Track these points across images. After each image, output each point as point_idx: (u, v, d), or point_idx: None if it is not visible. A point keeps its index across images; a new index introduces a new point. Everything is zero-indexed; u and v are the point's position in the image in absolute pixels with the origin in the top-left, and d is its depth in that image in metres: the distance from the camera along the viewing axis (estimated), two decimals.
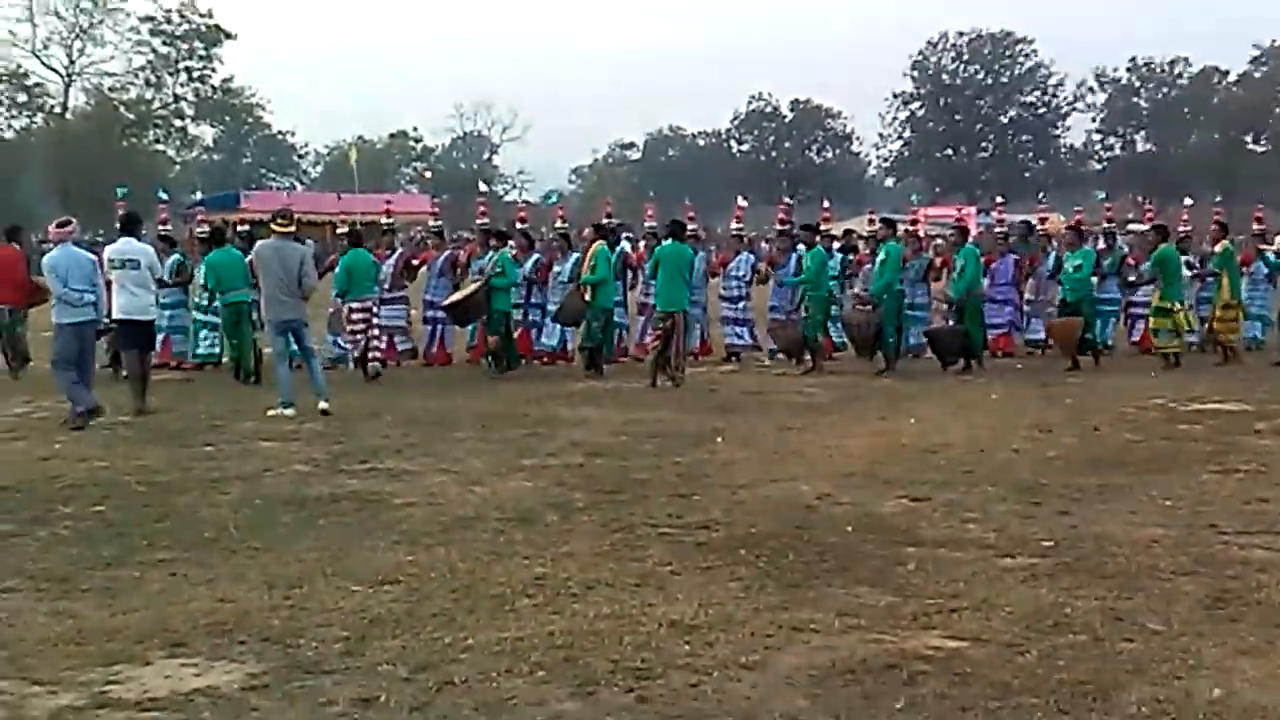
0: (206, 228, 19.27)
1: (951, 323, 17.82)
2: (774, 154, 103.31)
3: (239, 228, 20.88)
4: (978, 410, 13.51)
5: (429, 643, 5.99)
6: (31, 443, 12.02)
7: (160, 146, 76.95)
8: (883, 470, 10.14)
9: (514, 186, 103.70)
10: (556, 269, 18.94)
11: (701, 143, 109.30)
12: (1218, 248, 18.49)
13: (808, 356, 17.52)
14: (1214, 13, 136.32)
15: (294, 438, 12.07)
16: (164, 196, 22.64)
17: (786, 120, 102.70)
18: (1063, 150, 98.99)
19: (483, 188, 25.74)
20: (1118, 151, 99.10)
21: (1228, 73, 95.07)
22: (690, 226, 18.46)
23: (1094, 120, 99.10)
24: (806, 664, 5.70)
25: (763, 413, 13.63)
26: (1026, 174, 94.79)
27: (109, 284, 13.62)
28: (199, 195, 43.86)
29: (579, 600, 6.64)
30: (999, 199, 26.02)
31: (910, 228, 20.15)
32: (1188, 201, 24.41)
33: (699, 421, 12.89)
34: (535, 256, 19.15)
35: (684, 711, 5.18)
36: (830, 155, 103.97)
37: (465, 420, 12.99)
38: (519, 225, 20.58)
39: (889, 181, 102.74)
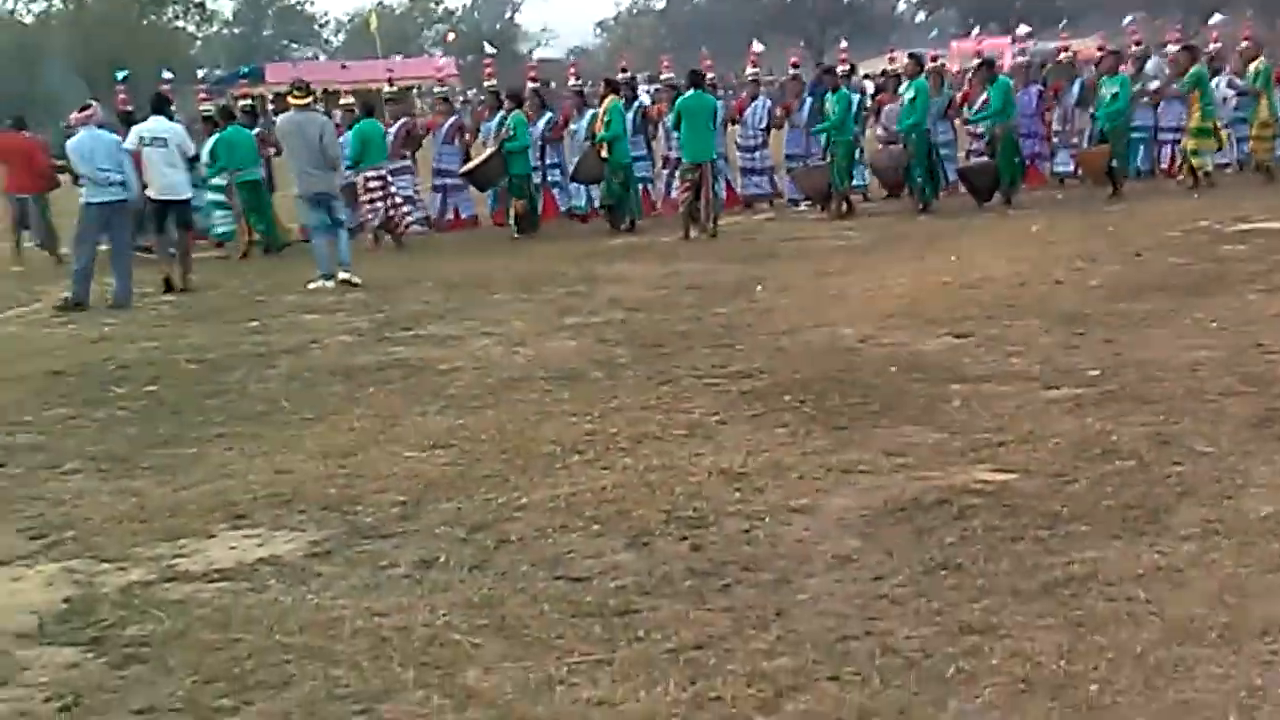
0: (211, 106, 19.08)
1: (983, 157, 17.53)
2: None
3: (241, 103, 20.47)
4: (1018, 243, 13.41)
5: (484, 503, 6.08)
6: (81, 325, 12.15)
7: (180, 23, 76.11)
8: (924, 309, 10.13)
9: (538, 44, 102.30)
10: (573, 127, 18.67)
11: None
12: (1252, 66, 18.03)
13: (835, 202, 17.32)
14: None
15: (337, 309, 12.16)
16: (168, 75, 22.19)
17: None
18: None
19: (489, 49, 25.24)
20: None
21: None
22: (708, 76, 18.19)
23: None
24: (857, 505, 5.76)
25: (801, 258, 13.59)
26: (1060, 1, 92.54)
27: (137, 163, 13.60)
28: (220, 70, 43.43)
29: (628, 454, 6.71)
30: (1022, 29, 25.25)
31: (932, 64, 19.73)
32: (1217, 18, 23.70)
33: (738, 271, 12.87)
34: (549, 115, 18.82)
35: (737, 557, 5.25)
36: None
37: (504, 283, 13.03)
38: (530, 84, 20.15)
39: (920, 16, 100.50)
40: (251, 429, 7.81)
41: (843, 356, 8.69)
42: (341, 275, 13.39)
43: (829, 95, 17.35)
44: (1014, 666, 4.17)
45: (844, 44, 23.36)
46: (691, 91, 16.39)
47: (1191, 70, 17.29)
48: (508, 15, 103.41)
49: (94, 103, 14.10)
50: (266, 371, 9.50)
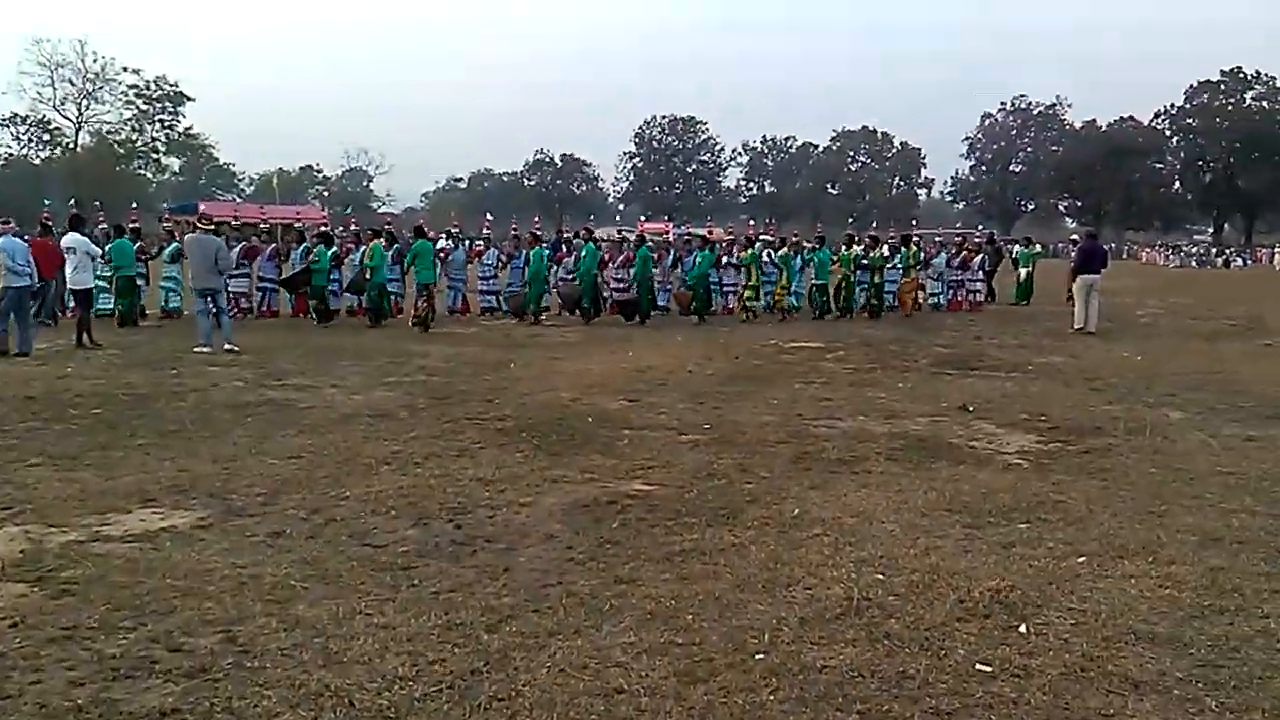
0: (106, 225, 17.59)
1: (632, 292, 17.79)
2: (550, 188, 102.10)
3: (130, 224, 18.75)
4: (669, 347, 13.71)
5: (321, 495, 5.78)
6: (51, 367, 10.95)
7: (142, 172, 71.39)
8: (611, 383, 10.23)
9: (383, 203, 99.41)
10: (353, 257, 17.78)
11: (505, 179, 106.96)
12: (782, 251, 18.55)
13: (531, 312, 17.08)
14: (812, 106, 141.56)
15: (231, 364, 11.36)
16: (135, 206, 20.83)
17: (559, 166, 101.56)
18: (723, 190, 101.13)
19: (315, 205, 24.38)
20: (755, 191, 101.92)
21: (818, 145, 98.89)
22: (485, 233, 18.77)
23: (741, 172, 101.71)
24: (560, 502, 5.74)
25: (539, 348, 13.52)
26: (701, 204, 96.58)
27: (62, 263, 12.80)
28: (167, 204, 40.36)
29: (420, 467, 6.50)
30: (685, 220, 26.22)
31: (605, 238, 20.43)
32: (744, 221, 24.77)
33: (499, 354, 12.73)
34: (333, 249, 17.86)
35: (484, 534, 5.15)
36: (585, 189, 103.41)
37: (347, 352, 12.48)
38: (321, 226, 19.89)
39: (621, 206, 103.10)
40: (164, 441, 7.20)
41: (560, 410, 8.69)
42: (226, 345, 12.46)
43: (531, 250, 17.37)
44: (645, 604, 4.23)
45: (591, 219, 23.68)
46: (419, 240, 16.26)
47: (749, 251, 18.07)
48: (365, 183, 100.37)
49: (10, 220, 12.78)
50: (179, 403, 8.77)
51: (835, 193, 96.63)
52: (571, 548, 4.95)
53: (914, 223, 27.25)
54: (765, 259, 18.44)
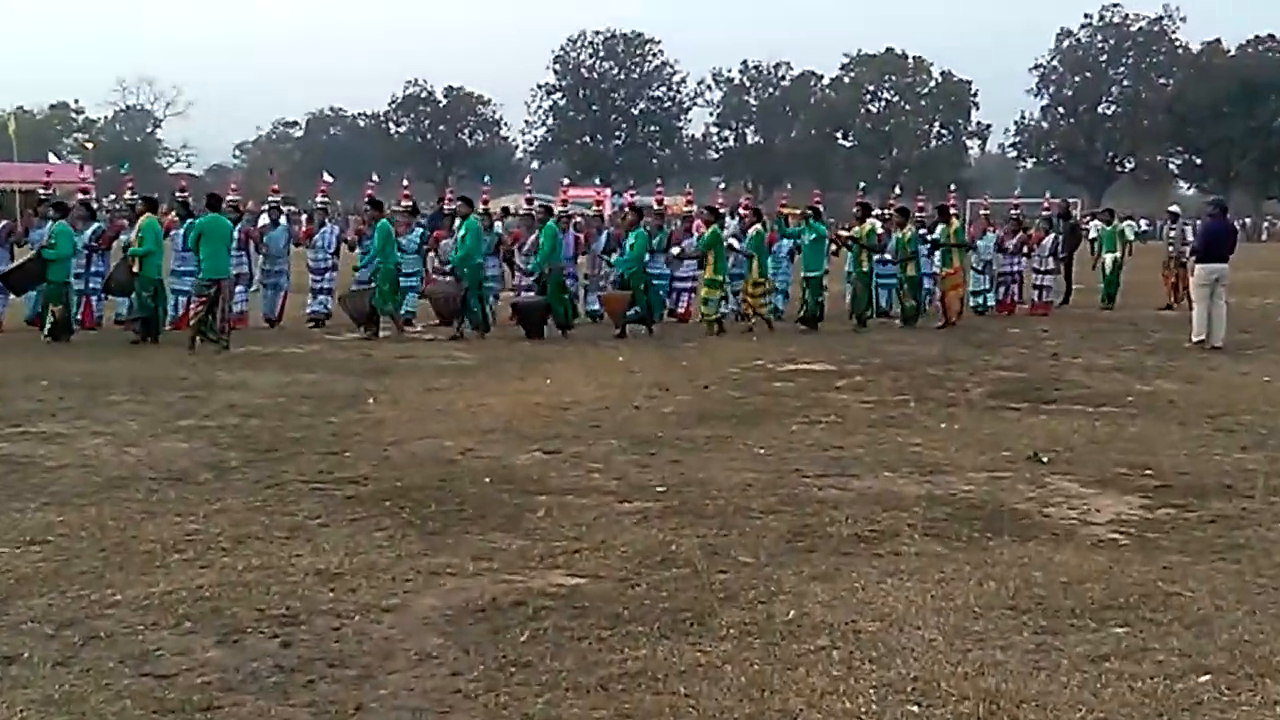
0: None
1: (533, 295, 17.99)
2: (429, 136, 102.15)
3: None
4: (605, 371, 13.79)
5: (76, 600, 5.65)
6: None
7: None
8: (519, 426, 10.24)
9: (177, 159, 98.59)
10: (123, 238, 17.66)
11: (362, 123, 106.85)
12: (751, 231, 18.82)
13: (375, 325, 17.28)
14: (811, 21, 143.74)
15: None
16: None
17: (441, 105, 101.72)
18: (685, 141, 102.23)
19: (53, 159, 24.06)
20: (732, 143, 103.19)
21: (822, 76, 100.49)
22: (320, 201, 19.25)
23: (711, 115, 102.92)
24: (442, 605, 5.70)
25: (412, 374, 13.48)
26: (654, 160, 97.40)
27: None
28: None
29: (229, 554, 6.41)
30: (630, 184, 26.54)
31: (512, 212, 20.57)
32: (789, 187, 25.52)
33: (353, 383, 12.64)
34: (96, 225, 18.00)
35: (325, 654, 5.08)
36: (481, 139, 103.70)
37: (121, 384, 12.29)
38: (82, 196, 19.66)
39: (535, 164, 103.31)
40: None
41: (443, 467, 8.65)
42: None
43: (464, 223, 17.42)
44: None
45: (486, 182, 23.72)
46: (209, 214, 15.94)
47: (709, 230, 18.19)
48: (150, 129, 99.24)
49: None
50: None
51: (848, 144, 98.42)
52: (458, 674, 4.91)
53: (950, 190, 27.71)
54: (731, 242, 18.76)
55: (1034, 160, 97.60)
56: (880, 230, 20.09)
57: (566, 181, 27.76)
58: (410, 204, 20.27)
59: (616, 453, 9.22)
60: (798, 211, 21.24)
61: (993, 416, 11.02)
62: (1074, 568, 6.32)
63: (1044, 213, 23.72)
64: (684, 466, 8.75)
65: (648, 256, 18.22)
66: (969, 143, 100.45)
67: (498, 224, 20.95)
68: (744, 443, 9.63)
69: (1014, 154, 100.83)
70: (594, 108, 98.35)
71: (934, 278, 20.35)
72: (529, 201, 21.52)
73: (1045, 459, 9.02)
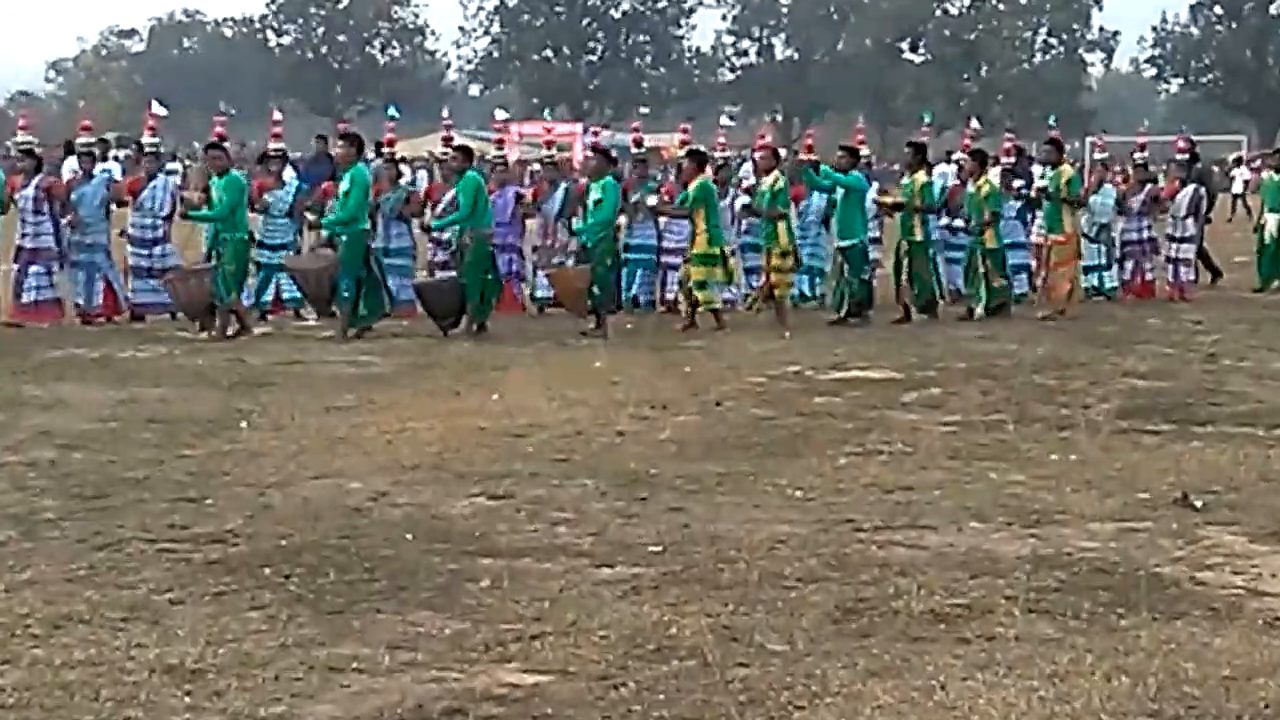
0: None
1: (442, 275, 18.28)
2: (324, 50, 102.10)
3: None
4: (577, 382, 13.78)
5: None
6: None
7: None
8: (455, 461, 10.23)
9: None
10: None
11: (228, 32, 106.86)
12: (766, 182, 18.87)
13: (221, 319, 17.26)
14: None
15: None
16: None
17: (341, 6, 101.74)
18: (687, 55, 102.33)
19: None
20: (753, 58, 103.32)
21: None
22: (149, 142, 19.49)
23: (725, 18, 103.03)
24: (345, 713, 5.68)
25: (303, 389, 13.47)
26: (645, 84, 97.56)
27: None
28: None
29: (41, 644, 6.38)
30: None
31: (429, 158, 20.62)
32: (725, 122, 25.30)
33: (218, 401, 12.65)
34: None
35: None
36: (398, 54, 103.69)
37: None
38: None
39: (475, 89, 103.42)
40: None
41: (346, 518, 8.63)
42: None
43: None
44: None
45: (391, 118, 23.63)
46: None
47: (696, 182, 18.27)
48: None
49: None
50: None
51: (918, 59, 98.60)
52: None
53: (1050, 125, 27.70)
54: (736, 196, 19.27)
55: (1180, 81, 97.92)
56: (953, 182, 20.18)
57: (503, 115, 27.49)
58: (279, 147, 20.29)
59: (592, 497, 9.20)
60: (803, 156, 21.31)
61: (1125, 443, 11.02)
62: (1240, 656, 6.32)
63: (1177, 155, 23.83)
64: (688, 516, 8.72)
65: (623, 220, 18.28)
66: (1088, 57, 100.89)
67: (414, 174, 20.99)
68: (773, 482, 9.61)
69: (1152, 73, 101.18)
70: (557, 8, 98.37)
71: (1033, 249, 20.41)
72: (446, 141, 21.58)
73: (1199, 503, 9.00)
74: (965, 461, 10.33)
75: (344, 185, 17.48)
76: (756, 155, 20.50)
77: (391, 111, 22.94)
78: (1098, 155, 25.37)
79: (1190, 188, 22.53)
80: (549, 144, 22.90)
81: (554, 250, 19.87)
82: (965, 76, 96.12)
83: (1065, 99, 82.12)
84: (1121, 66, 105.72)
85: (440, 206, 18.73)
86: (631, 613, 6.90)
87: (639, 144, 21.99)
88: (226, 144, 19.29)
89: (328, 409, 12.36)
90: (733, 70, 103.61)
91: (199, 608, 6.95)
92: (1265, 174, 26.85)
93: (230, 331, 17.14)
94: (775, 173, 18.86)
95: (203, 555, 7.83)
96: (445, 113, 25.90)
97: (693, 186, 18.29)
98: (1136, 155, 23.62)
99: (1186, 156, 24.08)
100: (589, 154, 20.29)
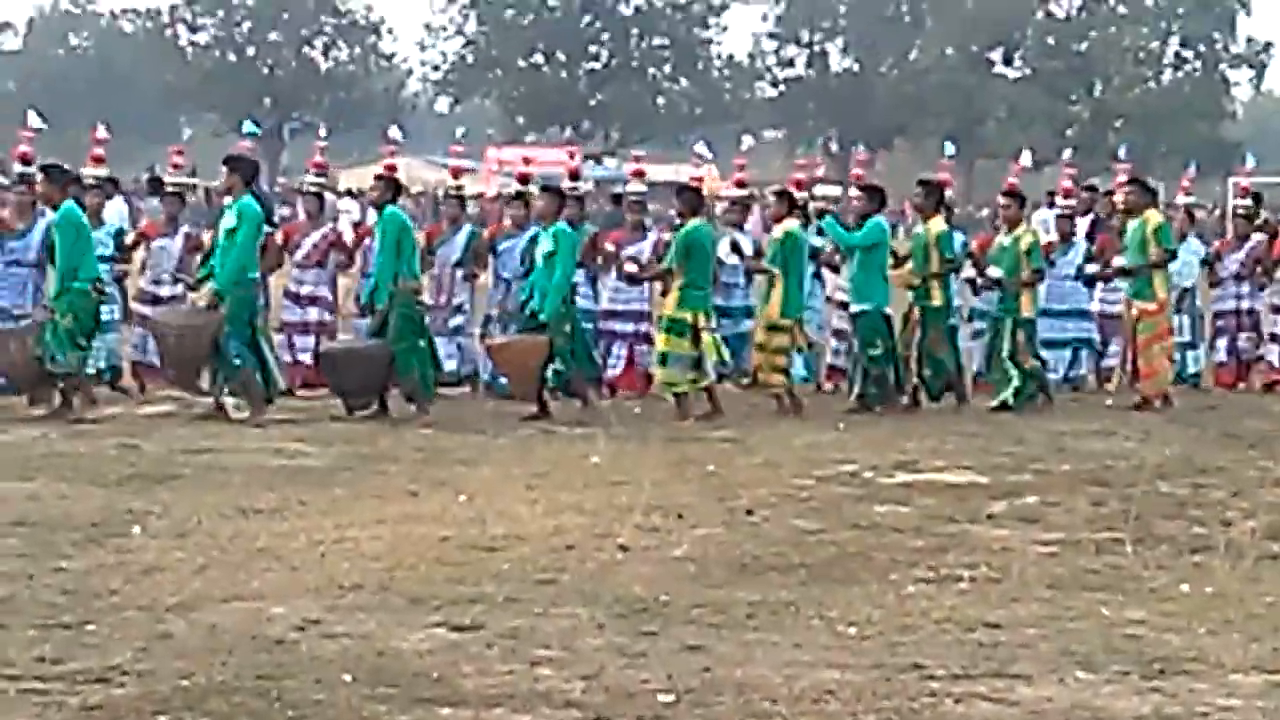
0: None
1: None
2: (251, 51, 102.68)
3: None
4: (566, 482, 13.83)
5: None
6: None
7: None
8: (408, 581, 10.24)
9: None
10: None
11: (128, 27, 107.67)
12: (778, 230, 19.27)
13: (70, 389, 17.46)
14: None
15: None
16: None
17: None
18: (717, 65, 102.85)
19: None
20: (800, 69, 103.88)
21: None
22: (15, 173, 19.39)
23: (765, 19, 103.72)
24: None
25: (214, 485, 13.51)
26: (658, 100, 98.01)
27: None
28: None
29: None
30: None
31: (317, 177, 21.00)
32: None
33: (103, 499, 12.70)
34: None
35: None
36: (345, 57, 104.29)
37: None
38: None
39: (442, 103, 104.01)
40: None
41: (267, 653, 8.61)
42: None
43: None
44: None
45: (324, 134, 23.86)
46: None
47: (682, 230, 18.55)
48: None
49: None
50: None
51: (1013, 74, 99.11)
52: None
53: (1188, 165, 27.74)
54: (726, 250, 19.45)
55: None
56: (1049, 238, 20.31)
57: (460, 133, 27.63)
58: (100, 170, 20.44)
59: (586, 630, 9.19)
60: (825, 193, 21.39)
61: (1277, 573, 11.03)
62: None
63: None
64: (709, 657, 8.70)
65: (580, 277, 18.59)
66: (1232, 75, 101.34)
67: (363, 209, 21.25)
68: (820, 615, 9.60)
69: None
70: (550, 3, 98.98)
71: (1101, 321, 20.87)
72: (389, 170, 21.81)
73: None
74: (1069, 593, 10.32)
75: (229, 222, 17.54)
76: (771, 198, 20.70)
77: (323, 131, 23.23)
78: (1181, 199, 25.09)
79: None
80: (523, 178, 22.87)
81: (448, 310, 20.12)
82: (1073, 98, 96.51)
83: (1202, 128, 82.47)
84: (1276, 88, 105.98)
85: (301, 251, 19.09)
86: None
87: (640, 175, 22.12)
88: (93, 170, 19.52)
89: (244, 511, 12.38)
90: (774, 85, 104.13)
91: None
92: None
93: (75, 406, 17.28)
94: (789, 219, 19.08)
95: (80, 698, 7.80)
96: (395, 131, 25.95)
97: (679, 234, 18.61)
98: (1236, 202, 23.59)
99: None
100: (536, 192, 20.33)
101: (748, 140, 27.10)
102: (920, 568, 10.93)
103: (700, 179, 21.37)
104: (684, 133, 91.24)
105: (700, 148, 24.91)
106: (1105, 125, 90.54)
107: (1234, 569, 11.03)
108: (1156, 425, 17.97)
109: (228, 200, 17.81)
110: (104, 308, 18.58)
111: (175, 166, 21.29)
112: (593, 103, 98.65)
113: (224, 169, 18.66)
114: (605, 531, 11.82)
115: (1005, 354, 19.41)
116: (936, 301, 19.30)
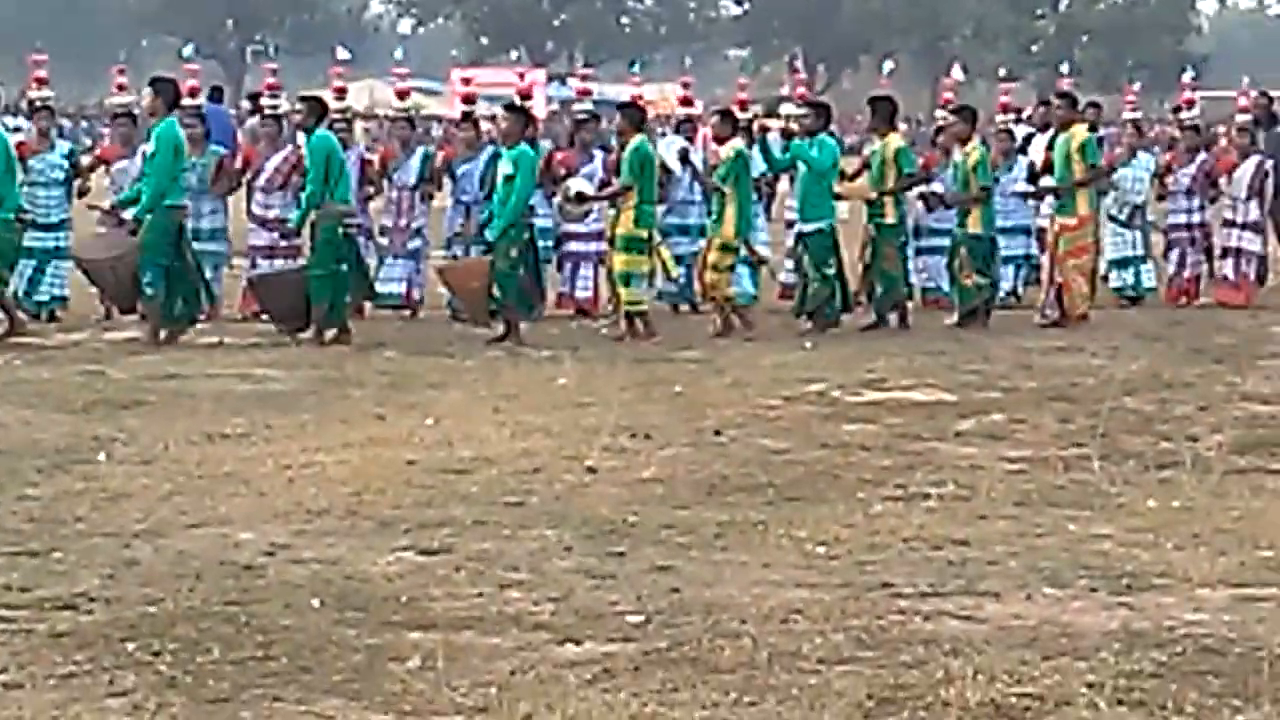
0: None
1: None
2: None
3: None
4: (534, 405, 13.84)
5: None
6: None
7: None
8: (376, 504, 10.25)
9: None
10: None
11: None
12: (726, 149, 19.12)
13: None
14: None
15: None
16: None
17: None
18: None
19: None
20: None
21: None
22: None
23: None
24: None
25: (180, 411, 13.50)
26: (622, 20, 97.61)
27: None
28: None
29: None
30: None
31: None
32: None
33: (69, 426, 12.70)
34: None
35: None
36: None
37: None
38: None
39: (405, 25, 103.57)
40: None
41: (234, 579, 8.61)
42: None
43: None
44: None
45: (272, 51, 23.75)
46: None
47: (634, 141, 18.58)
48: None
49: None
50: None
51: None
52: None
53: (1129, 82, 27.73)
54: (673, 159, 19.77)
55: None
56: (974, 156, 20.25)
57: (400, 54, 27.50)
58: (42, 95, 20.47)
59: (554, 552, 9.21)
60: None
61: (1243, 486, 11.05)
62: None
63: (1240, 114, 23.82)
64: (677, 578, 8.72)
65: (539, 196, 18.90)
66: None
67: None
68: (788, 534, 9.61)
69: None
70: None
71: (1037, 235, 20.78)
72: (400, 96, 21.72)
73: None
74: (1036, 510, 10.35)
75: (148, 146, 17.57)
76: (794, 108, 20.69)
77: (341, 54, 23.16)
78: (1127, 114, 24.81)
79: (1255, 159, 22.25)
80: (468, 98, 22.93)
81: (407, 233, 20.15)
82: (1039, 13, 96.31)
83: (1167, 42, 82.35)
84: (1241, 1, 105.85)
85: (263, 175, 19.38)
86: (604, 702, 6.86)
87: (585, 94, 22.13)
88: (38, 93, 19.54)
89: (211, 437, 12.38)
90: (739, 2, 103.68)
91: (42, 694, 6.91)
92: None
93: (137, 335, 17.29)
94: (735, 139, 19.07)
95: (48, 625, 7.80)
96: (342, 52, 25.76)
97: (627, 151, 18.60)
98: (1184, 115, 23.45)
99: (1251, 119, 23.85)
100: (502, 113, 20.24)
101: (688, 61, 27.02)
102: (888, 486, 10.96)
103: (641, 95, 21.31)
104: (648, 51, 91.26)
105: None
106: (1070, 40, 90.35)
107: (1201, 484, 11.05)
108: (1123, 341, 17.98)
109: (152, 122, 17.73)
110: (51, 235, 18.64)
111: (120, 88, 21.17)
112: (556, 22, 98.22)
113: (149, 90, 18.58)
114: (573, 453, 11.82)
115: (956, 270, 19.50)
116: (890, 219, 19.39)
